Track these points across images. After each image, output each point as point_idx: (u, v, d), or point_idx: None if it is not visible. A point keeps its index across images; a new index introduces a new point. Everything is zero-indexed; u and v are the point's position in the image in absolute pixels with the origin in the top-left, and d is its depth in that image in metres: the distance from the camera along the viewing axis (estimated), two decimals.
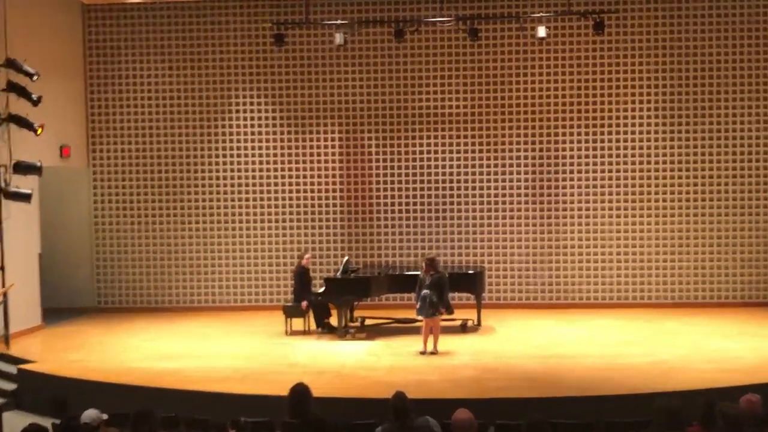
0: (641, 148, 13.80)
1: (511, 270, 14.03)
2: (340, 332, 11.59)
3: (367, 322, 12.37)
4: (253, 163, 14.33)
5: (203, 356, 10.73)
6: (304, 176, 14.25)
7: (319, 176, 14.22)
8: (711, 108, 13.61)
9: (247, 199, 14.34)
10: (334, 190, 14.23)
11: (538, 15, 13.10)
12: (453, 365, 9.97)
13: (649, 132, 13.75)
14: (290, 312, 11.95)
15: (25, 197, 11.31)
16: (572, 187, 13.92)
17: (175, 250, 14.37)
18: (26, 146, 11.83)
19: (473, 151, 14.05)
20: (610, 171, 13.83)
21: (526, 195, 13.97)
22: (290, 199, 14.27)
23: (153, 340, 11.84)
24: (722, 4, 13.58)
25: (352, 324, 12.27)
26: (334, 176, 14.22)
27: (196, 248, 14.37)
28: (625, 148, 13.80)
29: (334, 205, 14.25)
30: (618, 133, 13.81)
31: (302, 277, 12.09)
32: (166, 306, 14.32)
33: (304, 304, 11.83)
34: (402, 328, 12.01)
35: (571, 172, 13.91)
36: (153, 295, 14.41)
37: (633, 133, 13.80)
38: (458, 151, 14.06)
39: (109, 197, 14.43)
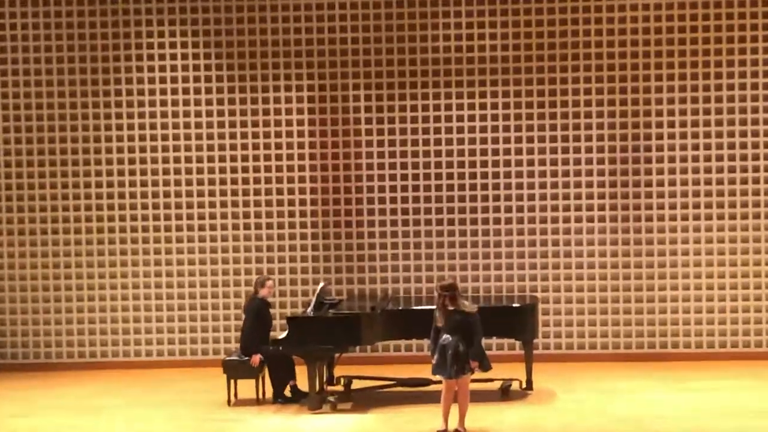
0: None
1: (579, 302, 13.98)
2: (313, 401, 11.59)
3: (355, 384, 12.41)
4: (176, 139, 14.29)
5: None
6: (256, 159, 14.24)
7: (279, 159, 14.22)
8: None
9: (166, 195, 14.29)
10: (302, 180, 14.23)
11: None
12: None
13: None
14: (235, 370, 11.94)
15: None
16: (672, 171, 13.88)
17: (54, 275, 14.33)
18: None
19: (517, 118, 13.98)
20: (744, 148, 13.77)
21: (601, 186, 14.00)
22: (234, 194, 14.27)
23: (24, 417, 11.80)
24: None
25: (331, 388, 12.34)
26: (302, 159, 14.20)
27: (87, 271, 14.35)
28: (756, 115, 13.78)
29: (303, 203, 14.23)
30: (739, 88, 13.70)
31: (259, 315, 12.07)
32: (43, 362, 14.32)
33: (257, 358, 11.83)
34: (409, 395, 12.04)
35: (672, 148, 13.85)
36: (24, 346, 14.39)
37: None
38: (494, 118, 13.99)
39: None
